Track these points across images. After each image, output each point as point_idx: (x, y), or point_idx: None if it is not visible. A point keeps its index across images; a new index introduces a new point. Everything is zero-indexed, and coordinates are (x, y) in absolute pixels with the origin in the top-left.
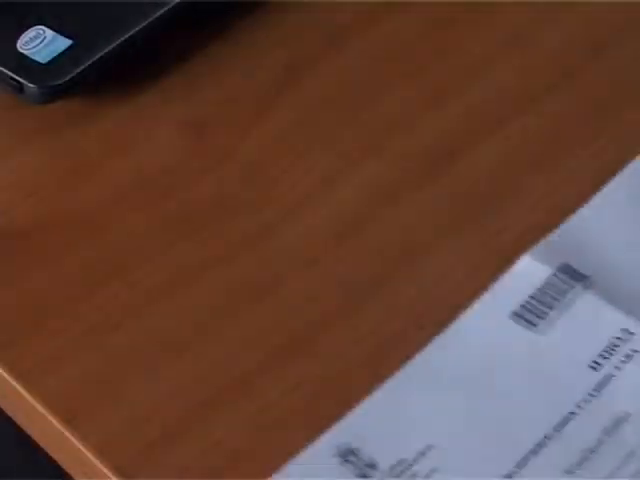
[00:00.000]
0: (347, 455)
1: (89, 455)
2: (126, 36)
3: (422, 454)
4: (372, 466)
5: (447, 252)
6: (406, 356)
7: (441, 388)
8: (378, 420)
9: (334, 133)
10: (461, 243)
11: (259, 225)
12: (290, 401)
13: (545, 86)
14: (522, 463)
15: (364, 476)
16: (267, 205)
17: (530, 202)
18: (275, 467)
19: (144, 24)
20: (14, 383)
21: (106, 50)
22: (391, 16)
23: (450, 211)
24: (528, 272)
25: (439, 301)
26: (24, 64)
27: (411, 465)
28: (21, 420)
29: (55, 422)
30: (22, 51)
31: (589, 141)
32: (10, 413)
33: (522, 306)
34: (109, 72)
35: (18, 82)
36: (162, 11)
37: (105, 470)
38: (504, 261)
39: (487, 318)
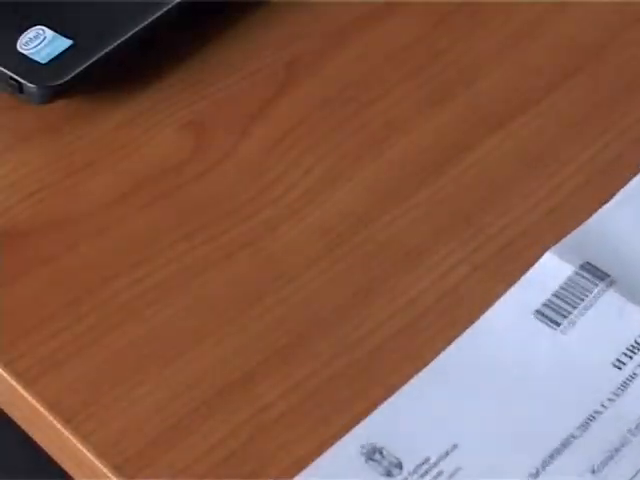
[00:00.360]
0: (372, 454)
1: (89, 455)
2: (126, 36)
3: (447, 453)
4: (398, 465)
5: (447, 252)
6: (406, 356)
7: (465, 387)
8: (403, 419)
9: (334, 133)
10: (461, 243)
11: (259, 225)
12: (290, 401)
13: (545, 86)
14: (547, 462)
15: (389, 475)
16: (267, 205)
17: (531, 201)
18: (275, 467)
19: (144, 24)
20: (14, 383)
21: (106, 50)
22: (391, 16)
23: (450, 210)
24: (550, 270)
25: (439, 301)
26: (24, 64)
27: (436, 464)
28: (21, 420)
29: (55, 422)
30: (22, 51)
31: (589, 141)
32: (10, 413)
33: (545, 305)
34: (109, 72)
35: (18, 82)
36: (162, 11)
37: (105, 470)
38: (505, 260)
39: (511, 316)
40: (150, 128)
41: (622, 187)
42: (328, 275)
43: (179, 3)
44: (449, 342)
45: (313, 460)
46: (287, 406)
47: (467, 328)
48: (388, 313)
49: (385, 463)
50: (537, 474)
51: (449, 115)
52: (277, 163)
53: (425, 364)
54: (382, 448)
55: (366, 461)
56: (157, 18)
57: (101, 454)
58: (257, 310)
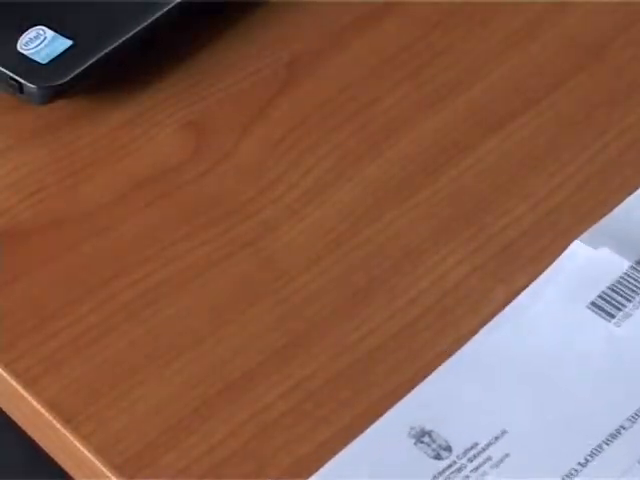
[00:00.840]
0: (422, 436)
1: (89, 455)
2: (126, 36)
3: (496, 439)
4: (447, 448)
5: (447, 252)
6: (406, 356)
7: (512, 372)
8: (452, 402)
9: (334, 133)
10: (461, 243)
11: (259, 225)
12: (290, 401)
13: (545, 86)
14: (595, 452)
15: (438, 458)
16: (267, 205)
17: (531, 201)
18: (275, 467)
19: (144, 24)
20: (14, 383)
21: (106, 50)
22: (391, 16)
23: (450, 211)
24: (605, 263)
25: (439, 301)
26: (24, 64)
27: (485, 449)
28: (21, 420)
29: (55, 422)
30: (22, 51)
31: (589, 141)
32: (10, 413)
33: (600, 297)
34: (109, 72)
35: (18, 82)
36: (162, 11)
37: (105, 470)
38: (505, 260)
39: (564, 306)
40: (150, 128)
41: (622, 187)
42: (328, 275)
43: (179, 3)
44: (449, 342)
45: (314, 460)
46: (287, 406)
47: (468, 328)
48: (388, 313)
49: (434, 446)
50: (585, 463)
51: (449, 115)
52: (277, 163)
53: (425, 364)
54: (431, 431)
55: (415, 443)
56: (157, 18)
57: (101, 454)
58: (257, 310)
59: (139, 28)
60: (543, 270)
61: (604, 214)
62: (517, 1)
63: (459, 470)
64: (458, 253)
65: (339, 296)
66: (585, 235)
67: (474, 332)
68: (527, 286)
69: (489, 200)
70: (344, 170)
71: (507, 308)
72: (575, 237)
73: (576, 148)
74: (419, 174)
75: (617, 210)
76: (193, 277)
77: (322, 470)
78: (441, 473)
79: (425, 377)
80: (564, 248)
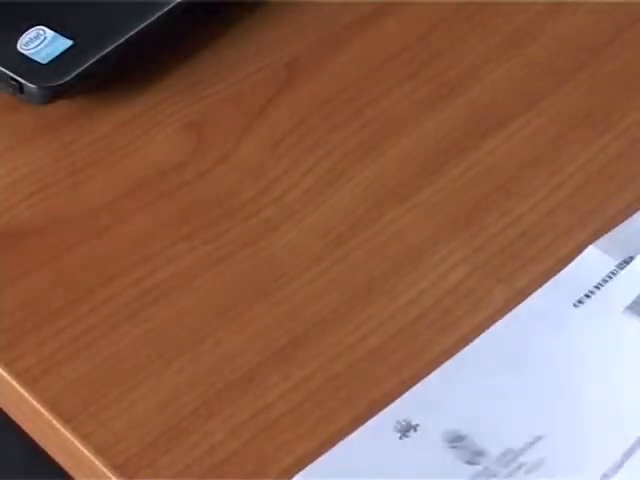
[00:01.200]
0: (456, 441)
1: (89, 455)
2: (126, 36)
3: (531, 444)
4: (481, 453)
5: (448, 252)
6: (406, 356)
7: (549, 378)
8: (486, 407)
9: (334, 133)
10: (461, 243)
11: (259, 225)
12: (290, 401)
13: (545, 86)
14: (628, 454)
15: (472, 463)
16: (267, 205)
17: (531, 201)
18: (275, 467)
19: (144, 24)
20: (14, 383)
21: (106, 50)
22: (391, 16)
23: (451, 211)
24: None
25: (439, 301)
26: (24, 64)
27: (519, 455)
28: (21, 420)
29: (55, 422)
30: (22, 51)
31: (589, 141)
32: (10, 413)
33: (635, 301)
34: (109, 72)
35: (18, 82)
36: (162, 11)
37: (105, 470)
38: (505, 260)
39: (601, 311)
40: (150, 128)
41: (622, 187)
42: (328, 275)
43: (179, 3)
44: (450, 342)
45: (314, 459)
46: (287, 406)
47: (468, 328)
48: (388, 313)
49: (468, 451)
50: (617, 468)
51: (449, 115)
52: (277, 163)
53: (425, 364)
54: (466, 435)
55: (450, 447)
56: (157, 18)
57: (101, 454)
58: (257, 310)
59: (139, 28)
60: (543, 270)
61: (604, 214)
62: (517, 1)
63: (493, 475)
64: (458, 253)
65: (339, 296)
66: (601, 241)
67: (474, 332)
68: (527, 286)
69: (489, 200)
70: (344, 170)
71: (520, 308)
72: (575, 237)
73: (576, 148)
74: (419, 174)
75: (636, 217)
76: (193, 277)
77: (323, 458)
78: (474, 478)
79: (425, 377)
80: (564, 248)
